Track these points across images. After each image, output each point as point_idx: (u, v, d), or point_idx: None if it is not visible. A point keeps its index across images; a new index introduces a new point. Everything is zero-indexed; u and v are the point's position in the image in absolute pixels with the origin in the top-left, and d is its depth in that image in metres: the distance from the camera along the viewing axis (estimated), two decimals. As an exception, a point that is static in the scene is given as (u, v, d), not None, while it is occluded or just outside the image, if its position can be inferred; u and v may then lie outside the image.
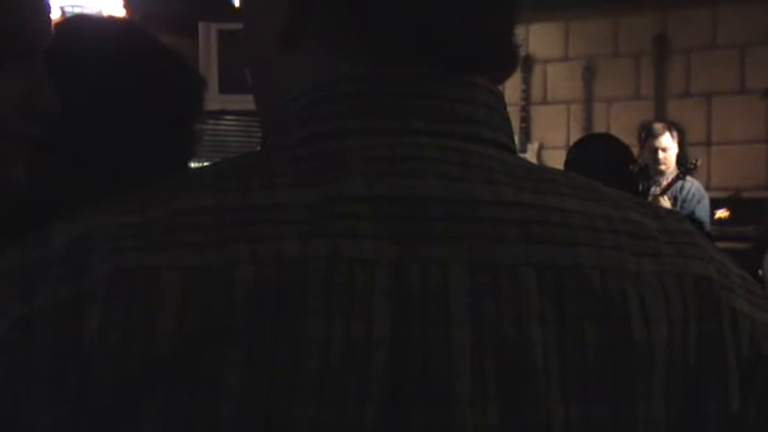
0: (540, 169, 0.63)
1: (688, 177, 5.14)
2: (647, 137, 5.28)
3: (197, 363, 0.52)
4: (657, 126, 5.33)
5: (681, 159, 5.31)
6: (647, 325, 0.57)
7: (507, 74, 0.67)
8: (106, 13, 5.25)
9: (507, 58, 0.65)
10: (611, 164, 3.62)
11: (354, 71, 0.61)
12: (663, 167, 5.17)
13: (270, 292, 0.52)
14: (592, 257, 0.57)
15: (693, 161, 5.24)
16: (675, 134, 5.29)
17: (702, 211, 5.04)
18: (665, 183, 5.07)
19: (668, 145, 5.21)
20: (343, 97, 0.60)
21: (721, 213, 5.87)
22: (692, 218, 4.86)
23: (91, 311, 0.53)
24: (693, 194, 5.05)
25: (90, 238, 0.55)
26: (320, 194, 0.56)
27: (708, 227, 5.02)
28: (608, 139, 4.00)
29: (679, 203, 5.01)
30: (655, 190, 5.06)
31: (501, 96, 0.64)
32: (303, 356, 0.52)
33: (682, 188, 5.07)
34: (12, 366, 0.53)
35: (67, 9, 5.12)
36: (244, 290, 0.52)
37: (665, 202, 4.89)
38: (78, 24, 1.26)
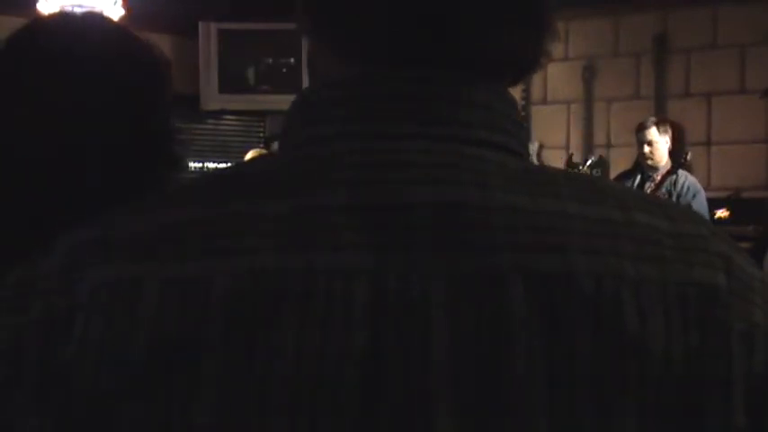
0: (541, 171, 0.61)
1: (681, 171, 5.12)
2: (637, 132, 5.27)
3: (172, 375, 0.52)
4: (648, 120, 5.31)
5: (676, 156, 5.29)
6: (643, 335, 0.55)
7: (520, 76, 0.64)
8: (106, 12, 5.25)
9: (514, 61, 0.63)
10: None
11: (348, 74, 0.60)
12: (649, 162, 5.15)
13: (246, 305, 0.52)
14: (585, 264, 0.55)
15: (684, 155, 5.23)
16: (668, 129, 5.26)
17: (698, 205, 5.00)
18: (658, 178, 5.06)
19: (654, 138, 5.18)
20: (334, 101, 0.60)
21: (721, 213, 5.86)
22: None
23: (76, 325, 0.54)
24: (688, 188, 5.03)
25: (80, 253, 0.56)
26: (302, 204, 0.55)
27: None
28: None
29: (674, 198, 4.99)
30: (649, 185, 5.06)
31: (505, 95, 0.62)
32: (278, 369, 0.52)
33: (675, 183, 5.05)
34: (5, 378, 0.54)
35: (67, 8, 5.12)
36: (220, 303, 0.52)
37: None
38: (76, 22, 1.24)
